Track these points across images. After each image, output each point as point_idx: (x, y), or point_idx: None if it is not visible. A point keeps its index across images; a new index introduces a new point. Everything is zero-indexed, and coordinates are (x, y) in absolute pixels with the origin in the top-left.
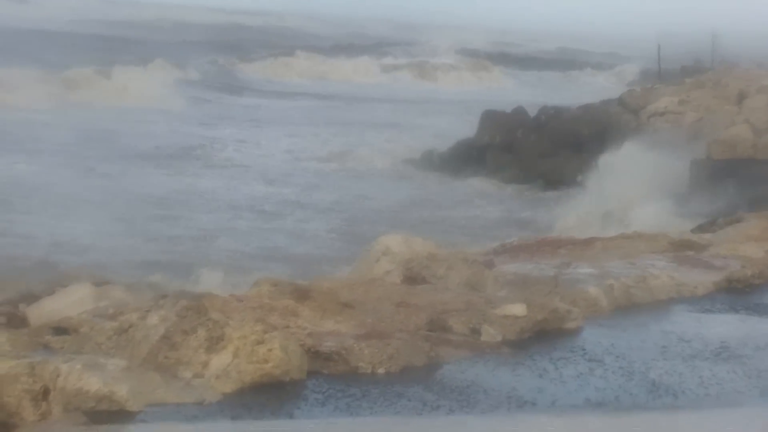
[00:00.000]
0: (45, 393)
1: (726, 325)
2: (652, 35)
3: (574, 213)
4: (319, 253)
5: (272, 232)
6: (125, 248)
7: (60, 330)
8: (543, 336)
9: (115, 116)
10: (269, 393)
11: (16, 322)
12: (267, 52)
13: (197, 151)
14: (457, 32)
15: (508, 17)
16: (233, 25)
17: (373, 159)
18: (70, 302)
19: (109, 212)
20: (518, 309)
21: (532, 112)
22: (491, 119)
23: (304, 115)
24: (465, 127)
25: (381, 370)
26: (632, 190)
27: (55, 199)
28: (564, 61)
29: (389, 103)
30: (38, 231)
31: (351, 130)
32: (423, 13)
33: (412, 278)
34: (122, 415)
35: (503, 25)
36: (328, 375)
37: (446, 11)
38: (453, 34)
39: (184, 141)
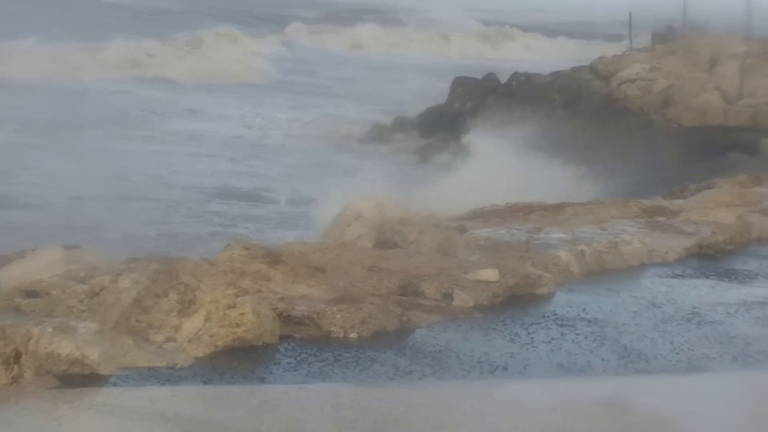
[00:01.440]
0: (16, 356)
1: (697, 291)
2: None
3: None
4: None
5: None
6: None
7: (31, 293)
8: (515, 301)
9: None
10: (241, 357)
11: None
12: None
13: None
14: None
15: None
16: None
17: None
18: (41, 265)
19: None
20: (490, 274)
21: None
22: (462, 85)
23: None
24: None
25: (353, 335)
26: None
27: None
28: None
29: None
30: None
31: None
32: None
33: (383, 242)
34: (94, 378)
35: None
36: (300, 339)
37: None
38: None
39: None
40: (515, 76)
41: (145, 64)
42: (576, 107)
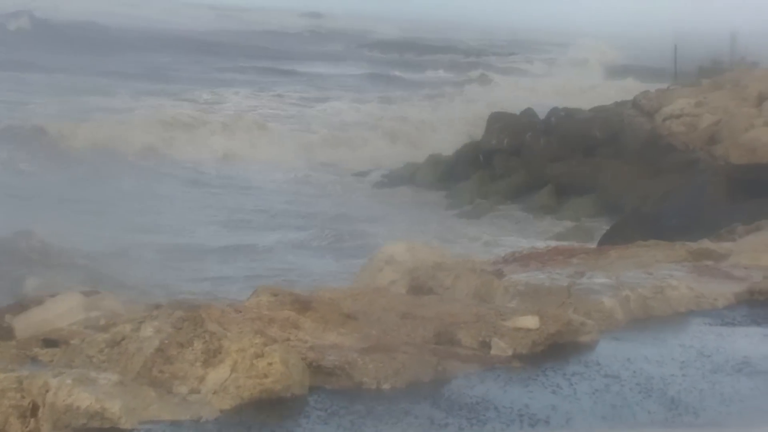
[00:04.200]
0: (33, 409)
1: (748, 339)
2: (668, 34)
3: None
4: None
5: None
6: None
7: (49, 342)
8: (556, 350)
9: None
10: (269, 410)
11: (3, 333)
12: None
13: None
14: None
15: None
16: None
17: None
18: (60, 312)
19: None
20: (530, 321)
21: None
22: (499, 121)
23: None
24: None
25: (386, 386)
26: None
27: None
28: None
29: None
30: None
31: None
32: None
33: (417, 288)
34: None
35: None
36: (330, 390)
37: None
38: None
39: None
40: (554, 111)
41: None
42: (618, 144)
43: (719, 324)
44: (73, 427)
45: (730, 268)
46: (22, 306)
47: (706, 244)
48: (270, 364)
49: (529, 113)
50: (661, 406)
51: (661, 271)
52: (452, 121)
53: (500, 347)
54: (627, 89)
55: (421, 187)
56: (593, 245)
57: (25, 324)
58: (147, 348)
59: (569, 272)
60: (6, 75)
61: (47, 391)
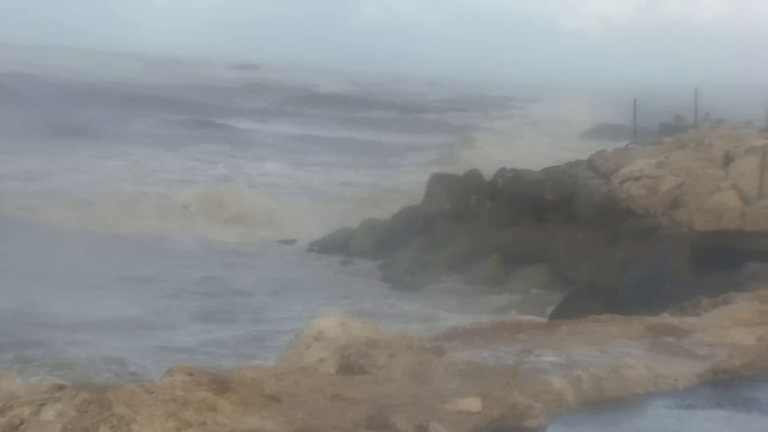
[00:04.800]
0: None
1: (711, 423)
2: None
3: None
4: None
5: None
6: None
7: None
8: None
9: None
10: None
11: None
12: None
13: None
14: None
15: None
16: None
17: None
18: None
19: None
20: (472, 404)
21: None
22: (440, 183)
23: None
24: None
25: None
26: None
27: None
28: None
29: None
30: None
31: None
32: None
33: (348, 367)
34: None
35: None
36: None
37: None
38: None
39: None
40: (501, 172)
41: None
42: (572, 209)
43: (680, 407)
44: None
45: (692, 346)
46: None
47: (666, 318)
48: None
49: (473, 174)
50: None
51: (616, 348)
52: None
53: None
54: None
55: (354, 255)
56: (543, 320)
57: None
58: None
59: (516, 349)
60: None
61: None
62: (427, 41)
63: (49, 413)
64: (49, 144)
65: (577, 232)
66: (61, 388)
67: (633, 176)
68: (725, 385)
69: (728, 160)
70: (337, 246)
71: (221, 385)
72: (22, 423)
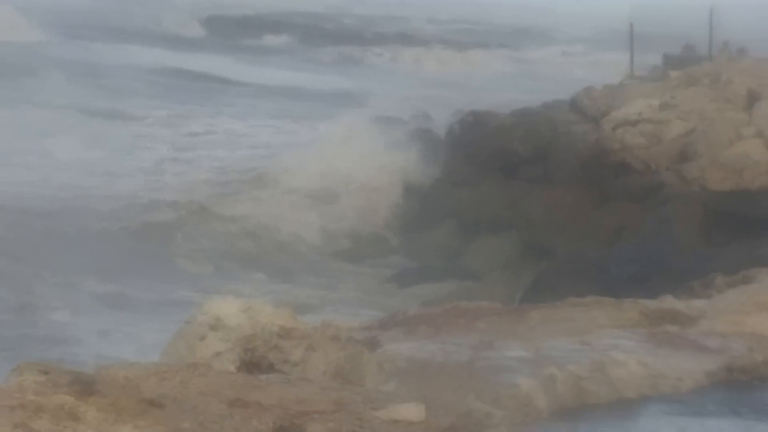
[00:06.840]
0: None
1: None
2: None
3: None
4: None
5: None
6: None
7: None
8: None
9: None
10: None
11: None
12: None
13: None
14: None
15: None
16: None
17: None
18: None
19: None
20: (412, 411)
21: None
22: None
23: None
24: None
25: None
26: None
27: None
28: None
29: None
30: None
31: None
32: None
33: (254, 364)
34: None
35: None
36: None
37: None
38: None
39: None
40: (459, 115)
41: None
42: (549, 163)
43: (684, 414)
44: None
45: (701, 337)
46: None
47: (669, 302)
48: None
49: (422, 117)
50: None
51: (602, 339)
52: None
53: None
54: None
55: None
56: (509, 304)
57: None
58: None
59: (472, 342)
60: None
61: None
62: None
63: None
64: None
65: (555, 192)
66: None
67: (629, 121)
68: (742, 386)
69: (752, 100)
70: None
71: (85, 386)
72: None
